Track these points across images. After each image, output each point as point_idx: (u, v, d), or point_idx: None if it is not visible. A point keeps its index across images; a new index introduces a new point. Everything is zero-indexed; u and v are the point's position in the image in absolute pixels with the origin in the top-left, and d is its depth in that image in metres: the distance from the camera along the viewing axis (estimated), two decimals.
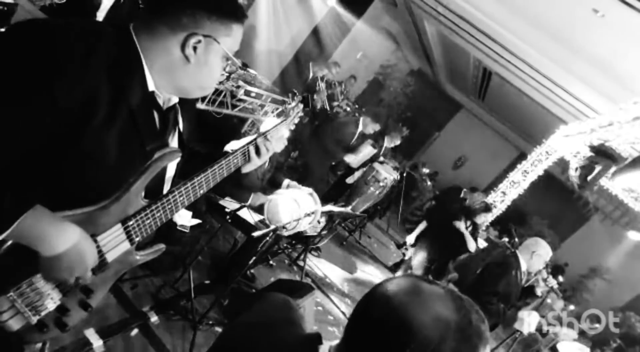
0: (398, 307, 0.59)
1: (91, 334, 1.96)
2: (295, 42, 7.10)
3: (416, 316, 0.57)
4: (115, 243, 0.93)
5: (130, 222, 0.93)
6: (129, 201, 0.91)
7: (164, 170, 1.02)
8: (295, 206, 2.71)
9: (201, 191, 1.06)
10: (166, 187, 1.08)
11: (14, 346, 0.92)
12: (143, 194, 0.95)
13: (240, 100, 4.32)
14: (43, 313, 0.87)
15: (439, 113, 13.17)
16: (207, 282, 2.90)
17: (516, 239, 6.04)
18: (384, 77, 11.00)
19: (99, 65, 0.79)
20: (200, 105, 3.79)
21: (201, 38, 0.91)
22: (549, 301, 6.28)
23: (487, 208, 4.54)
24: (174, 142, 1.06)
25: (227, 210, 2.51)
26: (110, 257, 0.93)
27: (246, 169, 1.27)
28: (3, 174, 0.75)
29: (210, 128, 4.76)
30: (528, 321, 2.97)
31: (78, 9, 2.57)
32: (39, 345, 1.14)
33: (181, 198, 1.01)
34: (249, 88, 4.18)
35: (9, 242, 0.77)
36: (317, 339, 0.74)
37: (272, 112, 5.28)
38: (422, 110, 12.76)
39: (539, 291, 3.03)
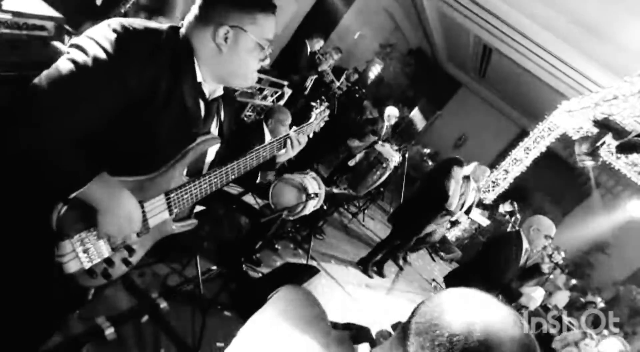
0: (478, 320, 0.59)
1: (103, 322, 1.98)
2: (292, 23, 6.97)
3: (497, 331, 0.58)
4: (158, 211, 1.06)
5: (172, 195, 1.07)
6: (173, 176, 1.06)
7: (204, 154, 1.17)
8: (299, 190, 2.69)
9: (233, 176, 1.20)
10: (205, 170, 1.22)
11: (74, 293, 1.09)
12: (185, 171, 1.09)
13: None
14: (95, 261, 1.01)
15: (439, 92, 13.04)
16: (213, 267, 2.92)
17: (518, 216, 6.05)
18: (384, 56, 10.83)
19: (161, 60, 0.97)
20: None
21: (228, 28, 1.02)
22: (552, 276, 6.34)
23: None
24: (215, 130, 1.20)
25: (232, 194, 2.50)
26: (152, 223, 1.07)
27: (281, 159, 1.48)
28: (81, 143, 0.91)
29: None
30: (533, 296, 3.00)
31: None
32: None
33: (215, 180, 1.15)
34: None
35: (77, 198, 0.91)
36: (351, 339, 0.73)
37: (271, 95, 5.22)
38: (422, 90, 12.63)
39: (545, 268, 3.05)
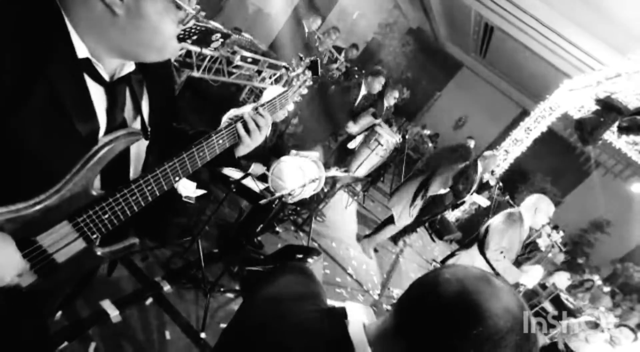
0: (471, 291, 0.59)
1: (108, 305, 2.01)
2: (289, 4, 6.84)
3: (489, 302, 0.57)
4: (65, 242, 0.80)
5: (81, 218, 0.79)
6: (75, 193, 0.77)
7: (125, 154, 0.87)
8: (299, 173, 2.69)
9: (177, 178, 0.91)
10: (133, 173, 0.93)
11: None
12: (96, 184, 0.82)
13: (237, 67, 4.20)
14: None
15: (439, 72, 12.89)
16: (215, 251, 2.95)
17: (501, 184, 6.07)
18: (383, 37, 10.65)
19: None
20: (195, 74, 3.69)
21: None
22: (550, 255, 6.42)
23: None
24: (133, 121, 0.89)
25: (231, 179, 2.50)
26: (61, 257, 0.81)
27: (240, 151, 1.10)
28: None
29: (207, 98, 4.67)
30: (532, 274, 3.03)
31: None
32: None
33: (149, 187, 0.86)
34: (245, 53, 4.05)
35: None
36: (343, 313, 0.73)
37: (270, 78, 5.15)
38: (422, 70, 12.48)
39: (543, 246, 3.08)
